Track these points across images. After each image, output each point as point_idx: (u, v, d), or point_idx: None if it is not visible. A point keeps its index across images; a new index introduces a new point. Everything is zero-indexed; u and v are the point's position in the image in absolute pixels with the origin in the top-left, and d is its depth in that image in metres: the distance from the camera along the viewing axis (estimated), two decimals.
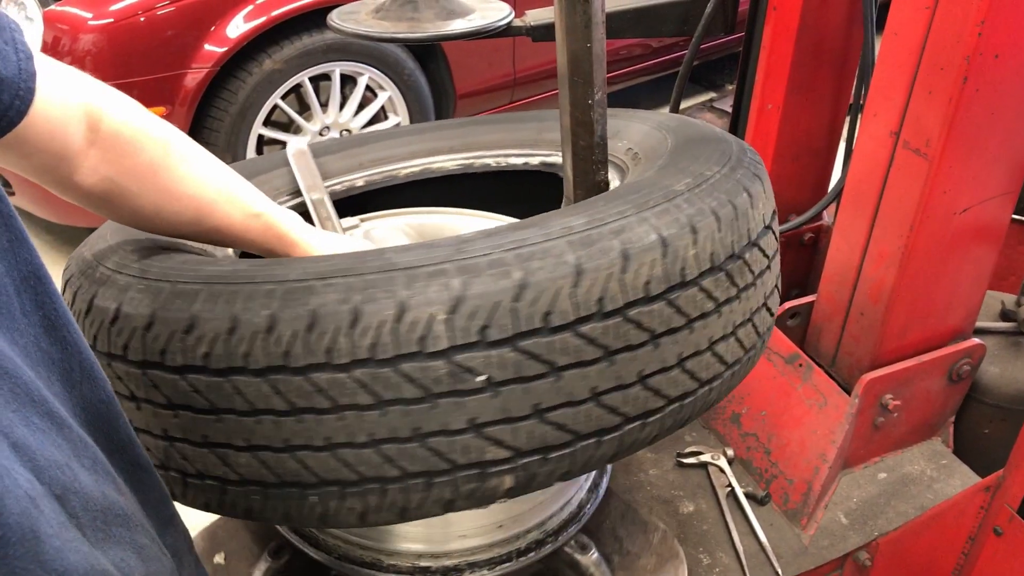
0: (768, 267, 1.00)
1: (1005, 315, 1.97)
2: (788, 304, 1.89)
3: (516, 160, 1.60)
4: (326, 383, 0.77)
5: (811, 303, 1.87)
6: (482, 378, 0.77)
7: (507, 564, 1.21)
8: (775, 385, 1.82)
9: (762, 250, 0.97)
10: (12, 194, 3.18)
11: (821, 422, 1.72)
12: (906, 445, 1.83)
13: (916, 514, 1.71)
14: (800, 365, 1.79)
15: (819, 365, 1.79)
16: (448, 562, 1.20)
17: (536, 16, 1.75)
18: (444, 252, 0.80)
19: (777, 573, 1.63)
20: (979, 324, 1.83)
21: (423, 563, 1.20)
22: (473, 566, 1.20)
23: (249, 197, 0.99)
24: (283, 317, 0.77)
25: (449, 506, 0.82)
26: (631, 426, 0.85)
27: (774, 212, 1.05)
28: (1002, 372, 1.86)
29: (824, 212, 2.08)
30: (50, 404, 0.61)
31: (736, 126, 2.17)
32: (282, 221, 1.01)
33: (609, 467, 1.35)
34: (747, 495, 1.74)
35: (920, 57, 1.46)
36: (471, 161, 1.64)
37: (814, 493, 1.70)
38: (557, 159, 1.55)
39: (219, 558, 1.36)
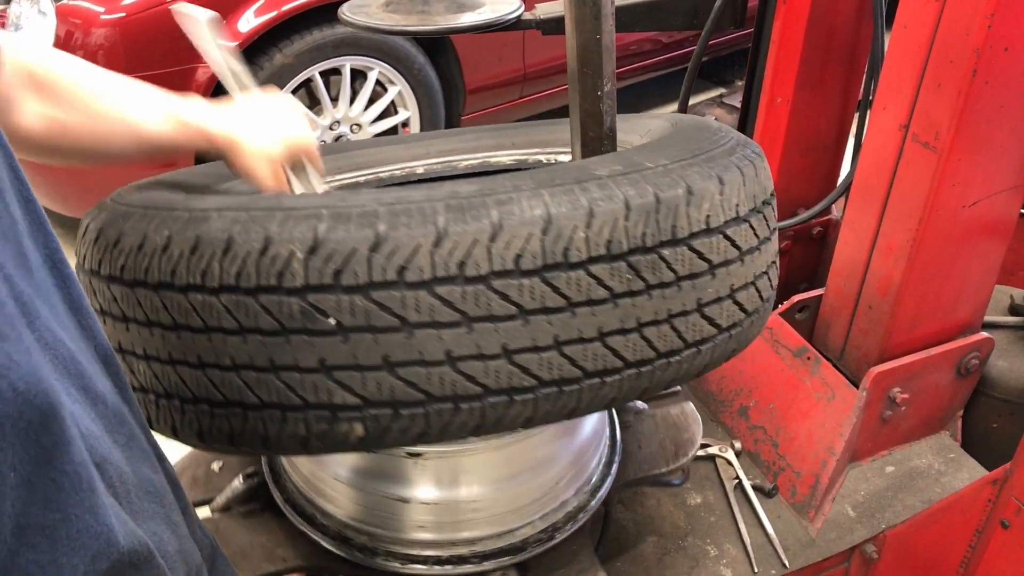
0: (711, 271, 0.95)
1: (1014, 310, 1.97)
2: (796, 298, 1.89)
3: (564, 158, 1.62)
4: (199, 304, 0.82)
5: (819, 297, 1.88)
6: (332, 321, 0.79)
7: (420, 566, 1.21)
8: (783, 378, 1.83)
9: (698, 252, 0.93)
10: None
11: (829, 415, 1.73)
12: (914, 439, 1.84)
13: (923, 507, 1.71)
14: (808, 358, 1.80)
15: (827, 359, 1.79)
16: (367, 542, 1.22)
17: (546, 9, 1.76)
18: (328, 200, 0.84)
19: (784, 565, 1.64)
20: (988, 318, 1.83)
21: (348, 533, 1.23)
22: (388, 555, 1.21)
23: (174, 107, 1.05)
24: (176, 239, 0.83)
25: (305, 444, 0.85)
26: (495, 400, 0.84)
27: (735, 219, 0.99)
28: (1011, 366, 1.86)
29: (833, 206, 2.08)
30: (86, 379, 0.62)
31: (745, 121, 2.18)
32: (207, 122, 1.06)
33: (583, 517, 1.29)
34: (755, 487, 1.75)
35: (929, 50, 1.46)
36: (526, 157, 1.67)
37: (821, 486, 1.70)
38: None
39: (216, 465, 1.42)
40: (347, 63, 3.68)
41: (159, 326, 0.85)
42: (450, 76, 4.05)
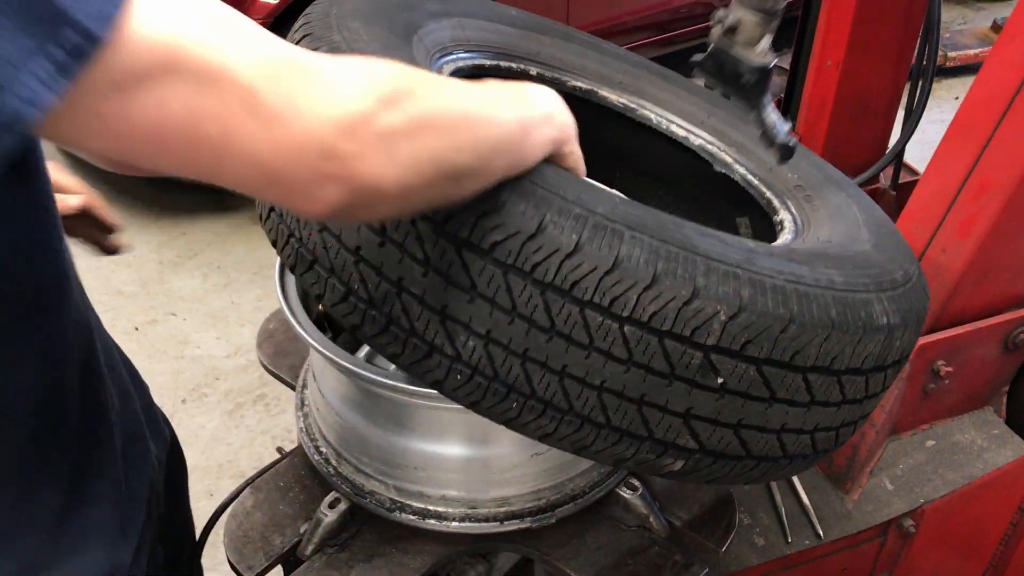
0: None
1: None
2: None
3: (677, 130, 1.52)
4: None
5: None
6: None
7: None
8: None
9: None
10: None
11: None
12: (956, 413, 1.80)
13: (964, 483, 1.68)
14: None
15: None
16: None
17: None
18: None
19: (818, 535, 1.62)
20: None
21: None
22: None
23: None
24: None
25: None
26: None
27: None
28: None
29: (880, 175, 2.03)
30: None
31: (793, 84, 2.13)
32: None
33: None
34: None
35: None
36: (635, 107, 1.54)
37: (860, 458, 1.67)
38: (715, 149, 1.48)
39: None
40: None
41: None
42: None
